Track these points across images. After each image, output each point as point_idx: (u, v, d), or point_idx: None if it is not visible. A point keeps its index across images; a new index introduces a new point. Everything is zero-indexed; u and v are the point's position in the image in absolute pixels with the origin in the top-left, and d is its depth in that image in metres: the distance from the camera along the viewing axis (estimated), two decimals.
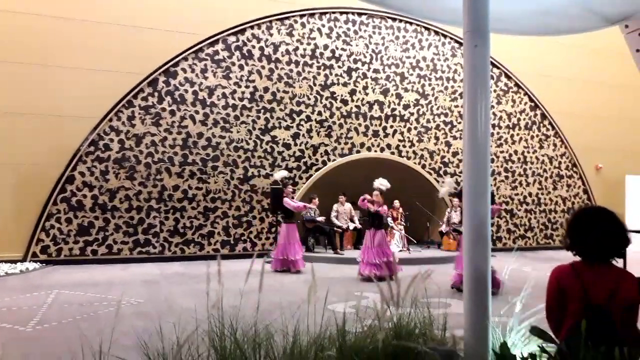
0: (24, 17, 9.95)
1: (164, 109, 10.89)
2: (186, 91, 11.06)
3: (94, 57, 10.36)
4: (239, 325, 2.85)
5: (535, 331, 1.48)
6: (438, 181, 12.98)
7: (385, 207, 9.10)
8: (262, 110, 11.67)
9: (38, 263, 9.76)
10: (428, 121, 13.29)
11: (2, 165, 9.69)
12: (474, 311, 3.03)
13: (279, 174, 10.63)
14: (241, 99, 11.50)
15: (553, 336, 2.21)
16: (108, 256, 10.35)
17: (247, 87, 11.55)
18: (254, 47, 11.63)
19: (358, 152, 12.60)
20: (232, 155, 11.40)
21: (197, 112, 11.14)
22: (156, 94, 10.84)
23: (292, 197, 10.09)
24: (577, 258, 2.33)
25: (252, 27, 11.62)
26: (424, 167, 13.21)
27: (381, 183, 9.26)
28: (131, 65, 10.57)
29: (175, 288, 7.57)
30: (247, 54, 11.57)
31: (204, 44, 11.19)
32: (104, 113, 10.42)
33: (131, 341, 3.66)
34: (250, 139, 11.55)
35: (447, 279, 7.50)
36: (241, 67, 11.51)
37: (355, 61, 12.57)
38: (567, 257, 2.39)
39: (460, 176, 12.34)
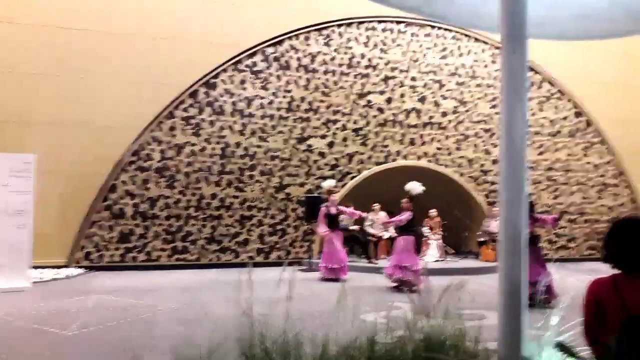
0: (71, 32, 10.42)
1: (203, 120, 11.14)
2: (225, 102, 11.29)
3: (138, 70, 10.72)
4: (269, 334, 2.86)
5: (561, 347, 1.41)
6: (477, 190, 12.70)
7: (404, 215, 8.89)
8: (299, 120, 11.77)
9: (81, 269, 10.12)
10: (467, 129, 13.06)
11: (50, 173, 10.06)
12: (508, 324, 2.93)
13: (328, 183, 10.50)
14: (278, 109, 11.64)
15: (585, 352, 2.12)
16: (147, 263, 10.62)
17: (284, 97, 11.68)
18: (291, 57, 11.77)
19: (394, 160, 12.50)
20: (269, 164, 11.53)
21: (235, 122, 11.35)
22: (197, 105, 11.11)
23: (336, 205, 10.09)
24: (616, 270, 2.23)
25: (290, 38, 11.76)
26: (462, 175, 12.97)
27: (412, 187, 8.97)
28: (173, 77, 10.88)
29: (210, 295, 7.69)
30: (284, 65, 11.72)
31: (242, 55, 11.41)
32: (146, 124, 10.75)
33: (166, 346, 3.74)
34: (286, 148, 11.66)
35: (482, 289, 7.30)
36: (278, 78, 11.66)
37: (392, 69, 12.52)
38: (610, 269, 2.29)
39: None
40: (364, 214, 10.70)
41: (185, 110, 11.04)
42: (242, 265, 10.41)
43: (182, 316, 6.14)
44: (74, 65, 10.41)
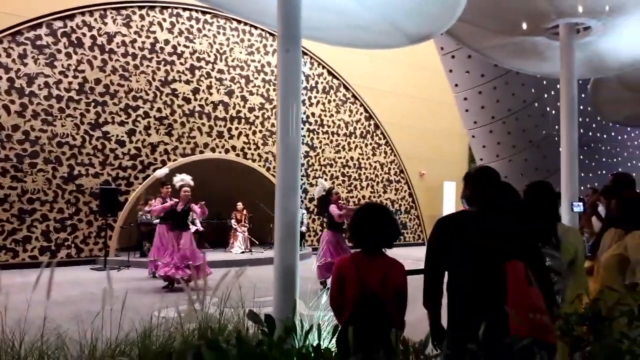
0: None
1: None
2: (0, 78, 9.70)
3: None
4: (25, 338, 2.56)
5: (250, 315, 1.57)
6: None
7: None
8: (93, 104, 10.74)
9: None
10: (273, 125, 13.52)
11: None
12: (282, 307, 3.12)
13: (161, 172, 9.31)
14: (67, 90, 10.44)
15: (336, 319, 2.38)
16: None
17: (75, 77, 10.52)
18: (84, 35, 10.65)
19: (201, 152, 12.30)
20: (55, 151, 10.28)
21: (12, 101, 9.83)
22: None
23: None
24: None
25: (82, 14, 10.64)
26: (268, 169, 13.40)
27: (182, 179, 8.04)
28: None
29: None
30: (76, 42, 10.55)
31: (23, 26, 9.93)
32: None
33: None
34: (77, 134, 10.54)
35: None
36: (69, 56, 10.46)
37: (198, 59, 12.27)
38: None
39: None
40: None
41: None
42: (22, 266, 9.23)
43: None
44: None
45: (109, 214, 10.13)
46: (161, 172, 9.37)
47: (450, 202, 16.76)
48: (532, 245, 2.35)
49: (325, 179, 14.29)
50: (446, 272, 2.48)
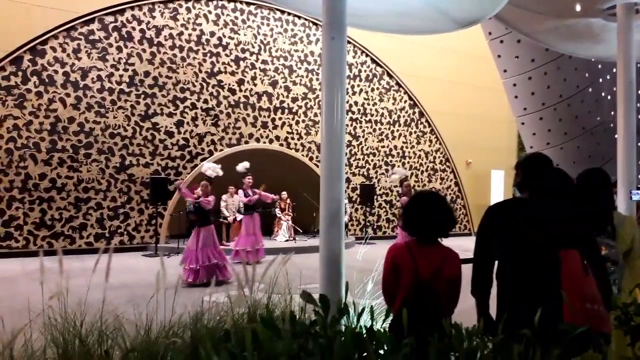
0: None
1: (29, 90, 9.91)
2: (56, 72, 10.16)
3: None
4: (85, 319, 2.71)
5: (304, 296, 1.59)
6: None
7: (210, 198, 7.81)
8: (143, 96, 11.10)
9: None
10: (316, 115, 13.56)
11: None
12: (329, 293, 3.16)
13: (243, 165, 9.71)
14: (119, 83, 10.83)
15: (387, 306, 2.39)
16: None
17: (125, 70, 10.90)
18: (134, 29, 11.00)
19: (247, 142, 12.50)
20: (108, 142, 10.71)
21: (68, 95, 10.29)
22: (20, 73, 9.83)
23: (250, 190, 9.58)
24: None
25: (132, 9, 10.98)
26: (311, 159, 13.47)
27: (209, 167, 8.08)
28: None
29: (34, 285, 6.94)
30: (126, 36, 10.91)
31: (77, 22, 10.35)
32: None
33: None
34: (128, 125, 10.93)
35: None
36: (119, 49, 10.84)
37: (243, 51, 12.42)
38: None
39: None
40: (275, 197, 10.43)
41: (5, 78, 9.70)
42: (79, 252, 9.71)
43: None
44: None
45: (159, 202, 10.48)
46: (242, 165, 9.68)
47: (499, 191, 16.35)
48: (586, 234, 2.27)
49: (368, 169, 14.24)
50: (496, 261, 2.44)
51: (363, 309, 1.94)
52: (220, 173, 8.20)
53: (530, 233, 2.28)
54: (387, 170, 14.72)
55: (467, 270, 2.51)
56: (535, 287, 2.18)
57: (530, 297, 2.15)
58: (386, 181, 14.09)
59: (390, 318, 2.28)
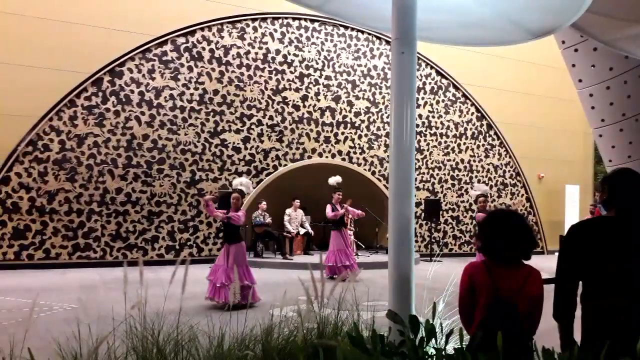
0: None
1: (108, 109, 10.58)
2: (132, 92, 10.80)
3: (34, 54, 9.95)
4: (162, 329, 2.82)
5: (390, 315, 1.55)
6: (387, 187, 13.18)
7: (240, 213, 7.10)
8: (212, 113, 11.54)
9: None
10: (378, 129, 13.51)
11: None
12: (399, 311, 3.09)
13: (335, 179, 9.68)
14: (189, 101, 11.34)
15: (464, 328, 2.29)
16: (45, 261, 9.91)
17: (196, 89, 11.40)
18: (203, 49, 11.50)
19: (309, 157, 12.64)
20: (179, 158, 11.20)
21: (142, 113, 10.90)
22: (100, 93, 10.53)
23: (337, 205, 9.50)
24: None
25: (202, 29, 11.50)
26: (373, 173, 13.40)
27: (242, 183, 7.47)
28: (74, 64, 10.22)
29: (113, 294, 7.32)
30: (196, 56, 11.43)
31: (151, 44, 10.98)
32: (43, 112, 10.02)
33: (54, 346, 3.52)
34: (198, 141, 11.39)
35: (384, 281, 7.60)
36: (190, 69, 11.36)
37: (307, 67, 12.64)
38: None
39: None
40: (362, 213, 10.19)
41: (87, 98, 10.42)
42: (151, 263, 10.14)
43: (80, 316, 5.80)
44: None
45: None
46: (334, 179, 9.66)
47: (573, 207, 15.47)
48: None
49: (433, 183, 13.96)
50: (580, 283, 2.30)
51: (452, 330, 1.88)
52: (252, 190, 8.23)
53: (619, 253, 2.13)
54: (453, 185, 14.36)
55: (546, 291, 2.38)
56: (626, 311, 2.03)
57: (619, 322, 2.00)
58: (469, 196, 13.74)
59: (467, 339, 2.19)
